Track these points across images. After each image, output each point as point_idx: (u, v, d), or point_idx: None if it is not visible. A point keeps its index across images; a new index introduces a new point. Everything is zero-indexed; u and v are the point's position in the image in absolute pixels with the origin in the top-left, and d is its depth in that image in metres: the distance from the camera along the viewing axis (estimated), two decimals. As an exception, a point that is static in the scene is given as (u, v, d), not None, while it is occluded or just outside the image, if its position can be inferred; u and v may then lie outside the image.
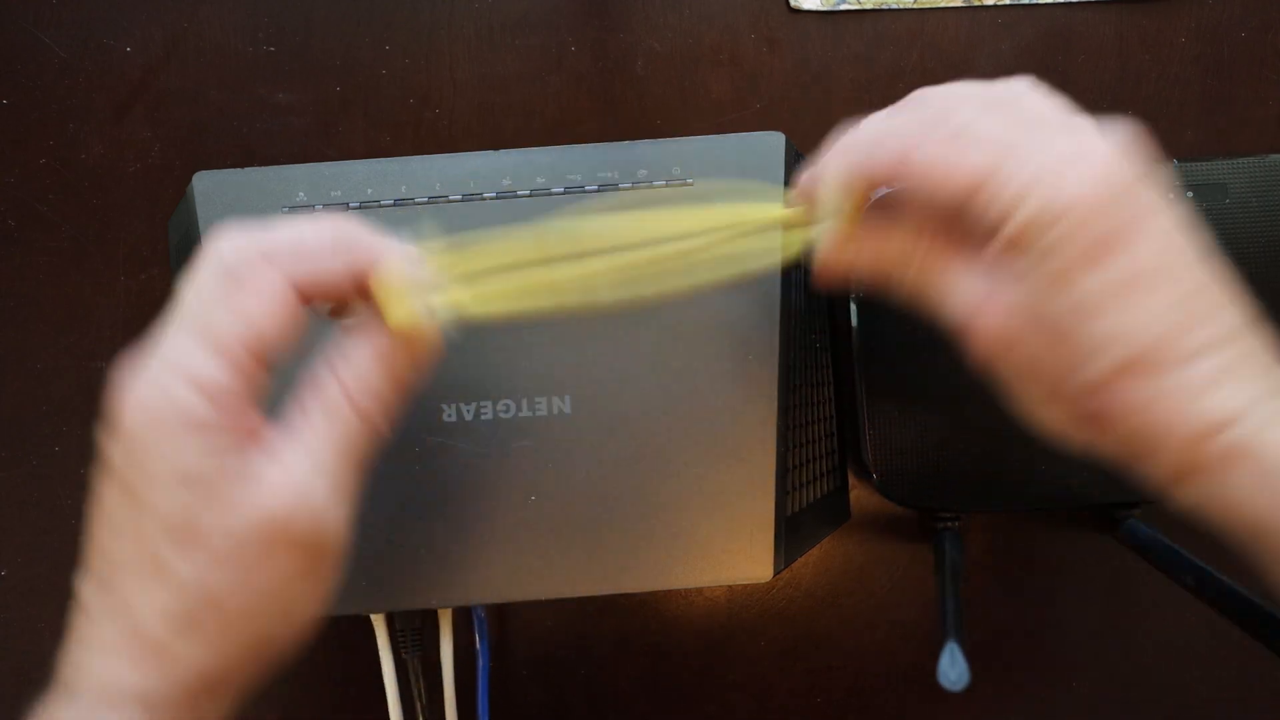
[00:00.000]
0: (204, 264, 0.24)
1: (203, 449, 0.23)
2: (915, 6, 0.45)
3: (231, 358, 0.23)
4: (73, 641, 0.24)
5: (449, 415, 0.36)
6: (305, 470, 0.24)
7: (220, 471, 0.23)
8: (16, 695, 0.46)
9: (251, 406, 0.24)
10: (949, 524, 0.41)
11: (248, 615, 0.24)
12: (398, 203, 0.37)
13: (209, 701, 0.25)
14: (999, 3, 0.45)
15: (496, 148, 0.39)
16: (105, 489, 0.24)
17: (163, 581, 0.23)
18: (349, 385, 0.25)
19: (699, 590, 0.45)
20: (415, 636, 0.40)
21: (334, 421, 0.25)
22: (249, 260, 0.24)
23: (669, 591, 0.36)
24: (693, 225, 0.29)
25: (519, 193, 0.37)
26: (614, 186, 0.37)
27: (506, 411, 0.37)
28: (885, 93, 0.46)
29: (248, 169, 0.38)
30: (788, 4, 0.45)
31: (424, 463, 0.36)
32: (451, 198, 0.37)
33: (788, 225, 0.30)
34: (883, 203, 0.28)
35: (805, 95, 0.46)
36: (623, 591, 0.36)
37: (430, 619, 0.41)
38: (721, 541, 0.36)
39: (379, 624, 0.40)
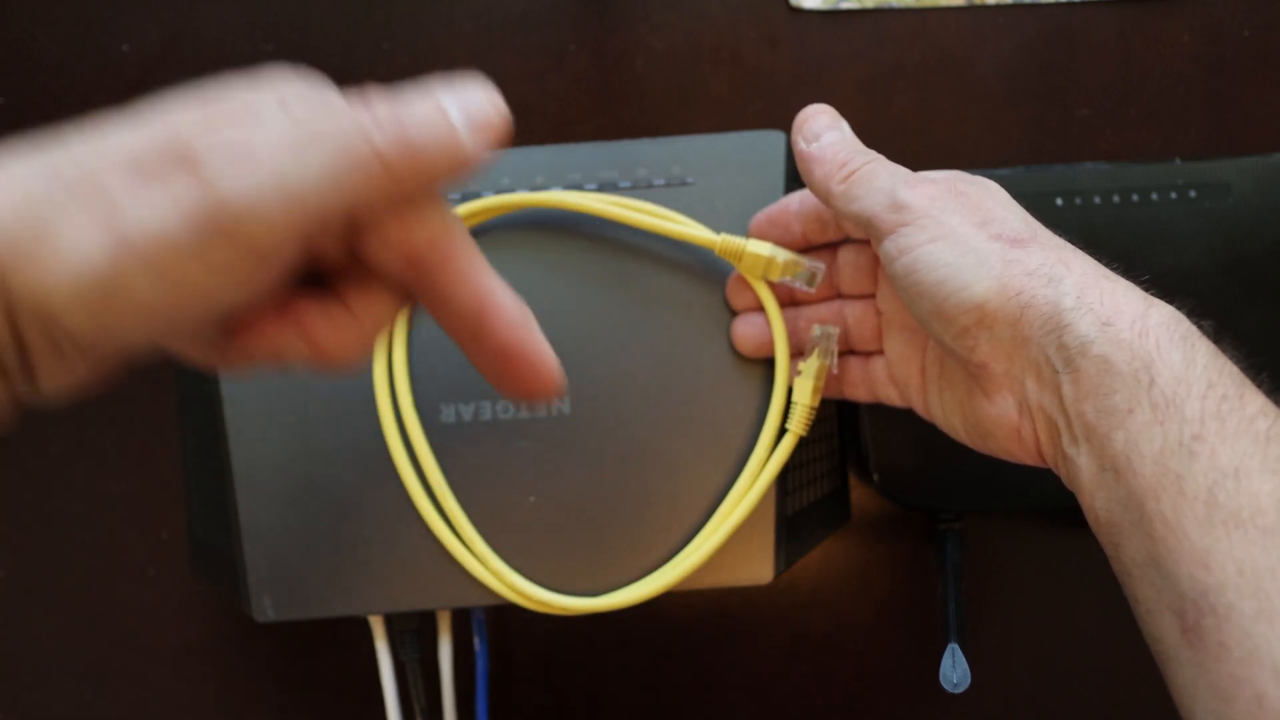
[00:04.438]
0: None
1: None
2: (916, 5, 0.45)
3: None
4: None
5: (448, 415, 0.36)
6: None
7: None
8: (13, 696, 0.45)
9: None
10: (950, 525, 0.41)
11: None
12: (396, 202, 0.37)
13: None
14: (1001, 2, 0.45)
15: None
16: None
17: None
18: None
19: (699, 592, 0.45)
20: (414, 638, 0.39)
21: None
22: None
23: (669, 592, 0.36)
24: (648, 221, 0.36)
25: (518, 191, 0.37)
26: (614, 185, 0.37)
27: (506, 412, 0.36)
28: (886, 92, 0.45)
29: (245, 168, 0.38)
30: (788, 3, 0.45)
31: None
32: (449, 196, 0.37)
33: (722, 251, 0.35)
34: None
35: (806, 94, 0.46)
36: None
37: (429, 620, 0.41)
38: (719, 548, 0.36)
39: (377, 625, 0.40)
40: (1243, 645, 0.23)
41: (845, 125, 0.33)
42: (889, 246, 0.30)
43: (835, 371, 0.36)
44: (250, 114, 0.20)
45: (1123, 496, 0.26)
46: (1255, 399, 0.26)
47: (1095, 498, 0.27)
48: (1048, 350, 0.28)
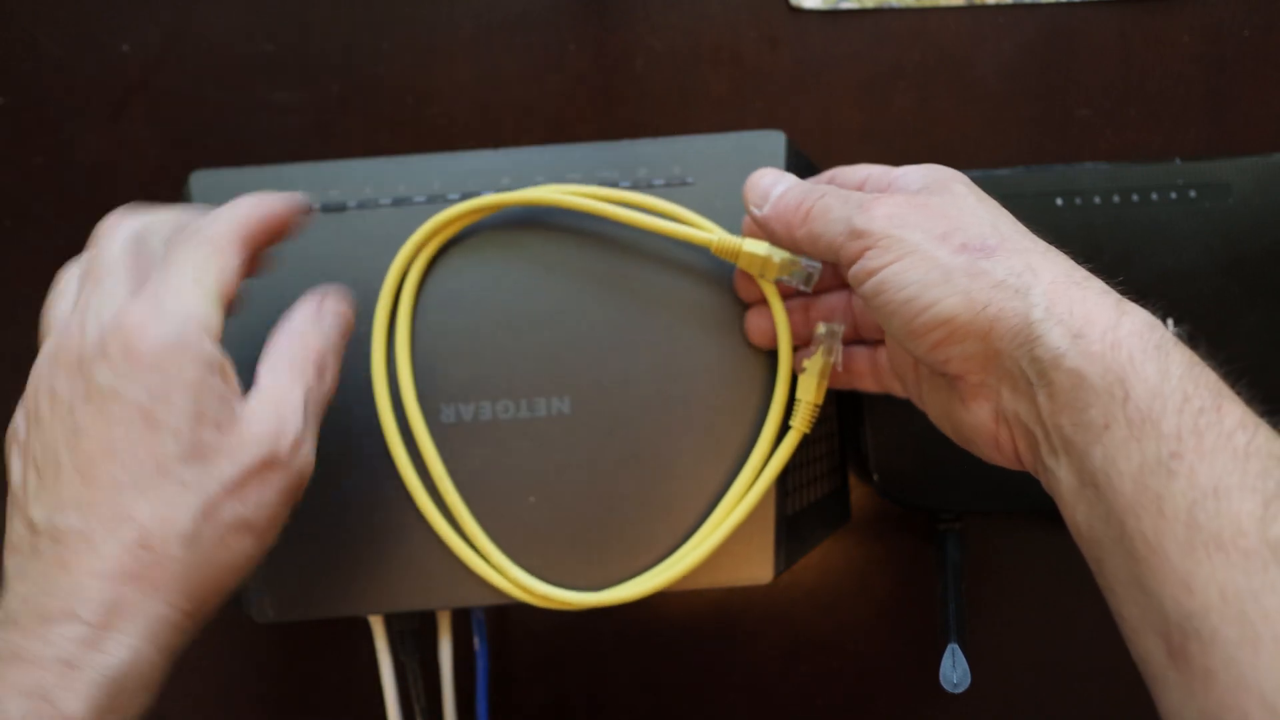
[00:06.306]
0: (193, 233, 0.29)
1: (214, 387, 0.27)
2: (916, 5, 0.45)
3: (223, 309, 0.28)
4: (43, 572, 0.26)
5: (449, 415, 0.36)
6: (287, 412, 0.29)
7: (226, 406, 0.28)
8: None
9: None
10: (950, 525, 0.41)
11: (237, 529, 0.28)
12: (396, 202, 0.37)
13: (192, 626, 0.27)
14: (1001, 2, 0.45)
15: (496, 147, 0.38)
16: (109, 417, 0.26)
17: (172, 493, 0.26)
18: (305, 348, 0.30)
19: (699, 591, 0.45)
20: (414, 638, 0.39)
21: (298, 376, 0.30)
22: (223, 234, 0.29)
23: (669, 593, 0.36)
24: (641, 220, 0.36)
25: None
26: (614, 185, 0.37)
27: (506, 412, 0.36)
28: (886, 92, 0.45)
29: (245, 168, 0.38)
30: (788, 3, 0.45)
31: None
32: (450, 197, 0.37)
33: (718, 250, 0.35)
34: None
35: (806, 94, 0.46)
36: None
37: (429, 620, 0.41)
38: (721, 544, 0.36)
39: (377, 626, 0.40)
40: (1229, 671, 0.23)
41: (790, 176, 0.33)
42: (855, 272, 0.30)
43: (840, 369, 0.35)
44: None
45: (1103, 513, 0.26)
46: (1233, 410, 0.25)
47: (1076, 511, 0.27)
48: (1021, 363, 0.27)
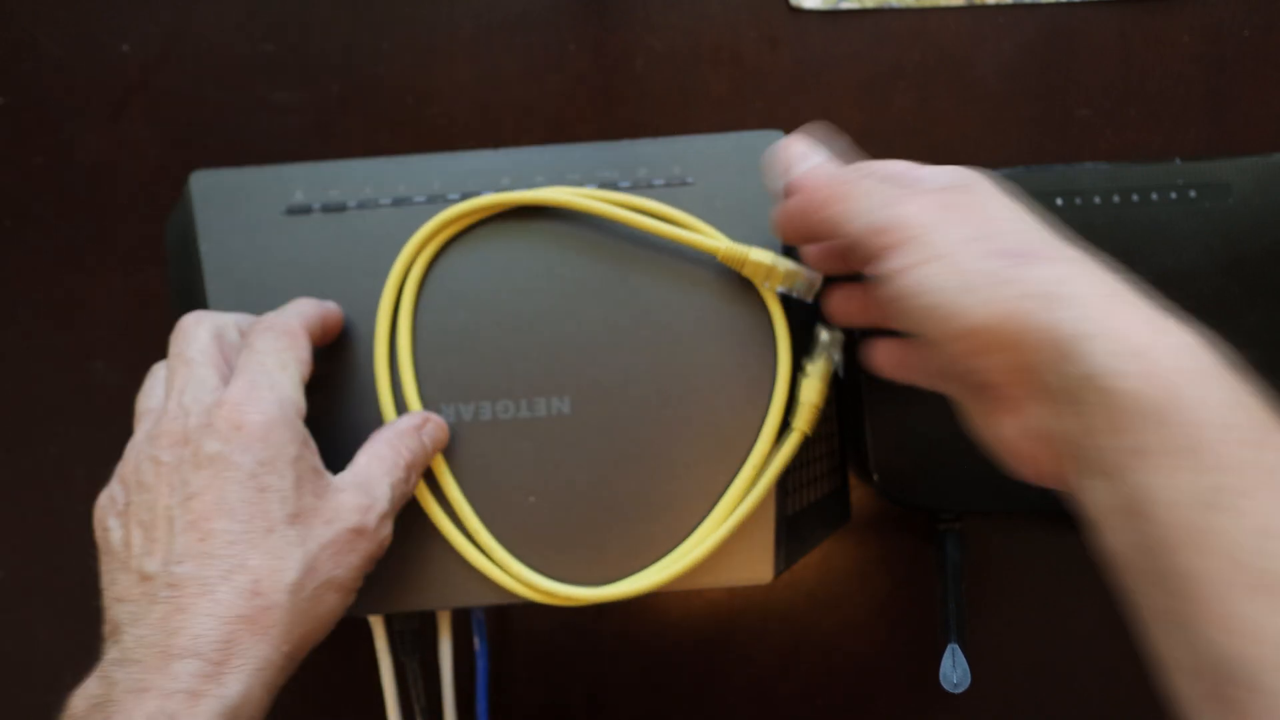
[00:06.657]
0: (267, 326, 0.33)
1: (309, 459, 0.31)
2: (916, 5, 0.45)
3: (303, 391, 0.32)
4: (163, 615, 0.28)
5: (449, 415, 0.36)
6: (376, 491, 0.32)
7: (320, 477, 0.31)
8: (13, 696, 0.45)
9: None
10: (950, 525, 0.41)
11: (330, 586, 0.30)
12: (396, 202, 0.37)
13: (290, 669, 0.30)
14: (1001, 2, 0.45)
15: (496, 147, 0.38)
16: (222, 481, 0.29)
17: (281, 548, 0.29)
18: (402, 448, 0.34)
19: (699, 592, 0.45)
20: (414, 638, 0.40)
21: (389, 467, 0.33)
22: (296, 327, 0.33)
23: (669, 593, 0.36)
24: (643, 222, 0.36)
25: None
26: (614, 185, 0.37)
27: (506, 412, 0.36)
28: (886, 92, 0.45)
29: (245, 168, 0.38)
30: (788, 3, 0.45)
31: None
32: (450, 197, 0.37)
33: (725, 258, 0.35)
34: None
35: (806, 94, 0.46)
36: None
37: (429, 620, 0.41)
38: (722, 543, 0.36)
39: (377, 626, 0.40)
40: None
41: (824, 151, 0.31)
42: (878, 270, 0.28)
43: (841, 374, 0.35)
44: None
45: (1140, 542, 0.24)
46: None
47: (1110, 538, 0.25)
48: (1054, 378, 0.25)
